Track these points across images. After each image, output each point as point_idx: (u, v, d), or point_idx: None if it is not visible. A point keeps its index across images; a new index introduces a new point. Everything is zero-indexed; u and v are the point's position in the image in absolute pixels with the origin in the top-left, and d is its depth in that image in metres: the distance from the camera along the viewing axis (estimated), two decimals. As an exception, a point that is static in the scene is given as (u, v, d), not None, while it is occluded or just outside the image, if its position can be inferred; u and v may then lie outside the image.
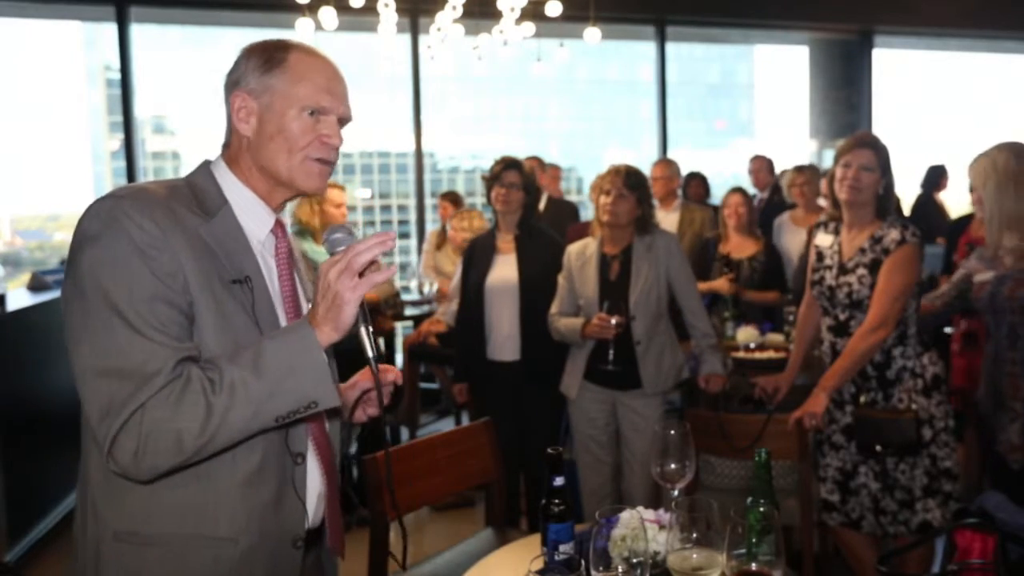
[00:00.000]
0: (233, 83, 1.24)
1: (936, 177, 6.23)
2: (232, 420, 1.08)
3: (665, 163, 5.01)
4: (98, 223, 1.09)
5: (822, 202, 4.57)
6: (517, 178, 3.13)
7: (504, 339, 3.14)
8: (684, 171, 5.75)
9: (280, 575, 1.24)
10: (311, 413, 1.15)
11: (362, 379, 1.43)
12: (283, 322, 1.24)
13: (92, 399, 1.08)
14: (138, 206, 1.10)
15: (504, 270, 3.15)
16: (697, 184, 5.87)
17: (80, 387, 1.10)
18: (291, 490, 1.24)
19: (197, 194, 1.20)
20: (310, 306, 1.29)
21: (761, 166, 5.81)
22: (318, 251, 3.54)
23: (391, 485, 1.29)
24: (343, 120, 1.27)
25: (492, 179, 3.16)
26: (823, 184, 4.03)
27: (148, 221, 1.09)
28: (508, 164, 3.16)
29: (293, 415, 1.13)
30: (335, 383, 1.15)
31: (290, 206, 3.11)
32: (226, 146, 1.28)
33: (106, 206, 1.10)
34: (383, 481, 1.96)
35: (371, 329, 1.18)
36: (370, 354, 1.19)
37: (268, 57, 1.22)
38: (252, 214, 1.24)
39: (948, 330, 3.64)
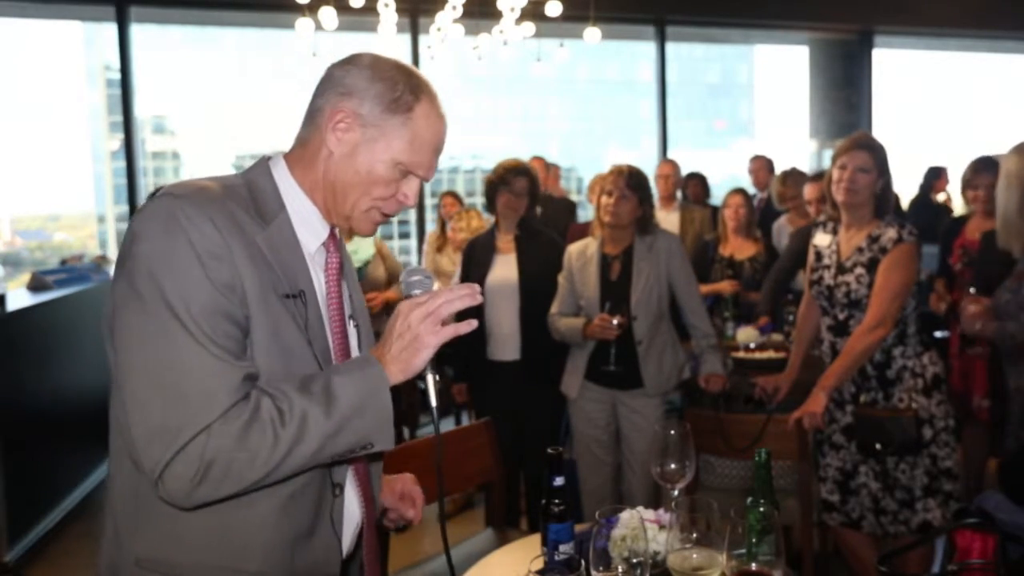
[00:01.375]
0: (343, 92, 1.13)
1: (934, 178, 6.24)
2: (297, 454, 1.03)
3: (671, 162, 5.09)
4: (156, 224, 1.01)
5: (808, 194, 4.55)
6: (526, 185, 3.14)
7: (505, 339, 3.14)
8: (684, 171, 5.75)
9: None
10: (363, 454, 1.11)
11: (392, 491, 1.40)
12: (329, 339, 1.17)
13: (141, 416, 0.99)
14: (198, 208, 1.02)
15: (504, 270, 3.15)
16: (696, 184, 5.87)
17: (128, 400, 1.00)
18: (327, 522, 1.17)
19: (256, 196, 1.12)
20: (353, 322, 1.26)
21: (761, 166, 5.81)
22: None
23: (440, 469, 1.24)
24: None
25: (500, 183, 3.13)
26: (806, 190, 4.02)
27: (209, 225, 1.01)
28: (519, 171, 3.14)
29: (348, 454, 1.08)
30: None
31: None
32: (301, 144, 1.17)
33: (164, 205, 1.02)
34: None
35: (438, 378, 1.14)
36: (434, 403, 1.14)
37: (397, 96, 1.13)
38: (308, 225, 1.17)
39: (938, 334, 3.64)
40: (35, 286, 3.97)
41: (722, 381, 2.91)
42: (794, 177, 4.48)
